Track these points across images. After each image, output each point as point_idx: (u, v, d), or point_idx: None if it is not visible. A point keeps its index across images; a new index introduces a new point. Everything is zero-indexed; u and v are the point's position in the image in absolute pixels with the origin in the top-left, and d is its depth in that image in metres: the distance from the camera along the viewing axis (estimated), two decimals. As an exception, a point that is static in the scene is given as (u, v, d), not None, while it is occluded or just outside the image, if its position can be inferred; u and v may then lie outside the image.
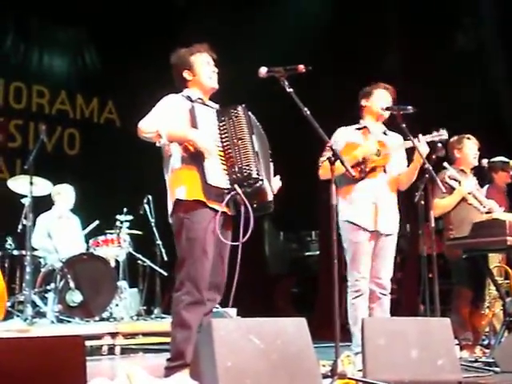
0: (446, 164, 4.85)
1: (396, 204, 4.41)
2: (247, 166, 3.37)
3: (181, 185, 3.42)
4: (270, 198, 3.53)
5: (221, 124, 3.48)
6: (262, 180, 3.41)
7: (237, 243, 3.41)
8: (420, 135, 4.21)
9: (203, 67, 3.61)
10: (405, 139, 4.30)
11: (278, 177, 3.70)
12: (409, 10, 7.95)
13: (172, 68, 3.66)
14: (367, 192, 4.26)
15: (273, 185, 3.63)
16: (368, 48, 7.89)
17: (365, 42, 7.93)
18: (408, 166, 4.37)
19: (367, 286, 4.22)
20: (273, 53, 7.58)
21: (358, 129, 4.43)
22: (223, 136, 3.46)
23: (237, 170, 3.37)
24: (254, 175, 3.37)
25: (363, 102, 4.44)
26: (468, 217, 4.90)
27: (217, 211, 3.37)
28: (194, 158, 3.40)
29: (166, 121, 3.42)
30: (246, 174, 3.36)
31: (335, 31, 8.17)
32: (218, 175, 3.38)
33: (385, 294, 4.28)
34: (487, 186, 5.94)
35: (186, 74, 3.61)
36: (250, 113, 3.56)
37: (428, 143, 4.21)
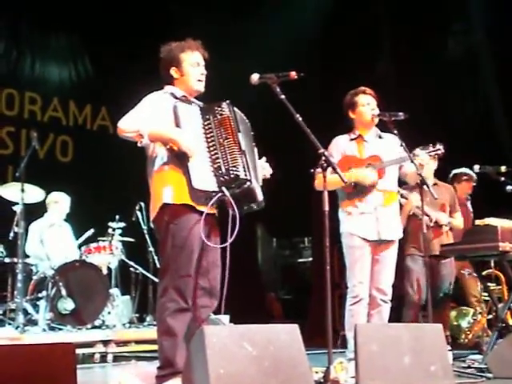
0: None
1: (396, 212, 4.43)
2: (234, 167, 3.25)
3: (167, 186, 3.30)
4: (260, 197, 3.40)
5: (205, 123, 3.35)
6: (249, 180, 3.29)
7: (223, 245, 3.31)
8: (417, 149, 4.24)
9: (192, 68, 3.47)
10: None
11: (263, 159, 3.57)
12: (400, 13, 8.01)
13: (160, 61, 3.52)
14: (367, 203, 4.27)
15: (264, 171, 3.53)
16: (360, 50, 7.94)
17: (358, 44, 7.98)
18: None
19: (366, 292, 4.22)
20: (263, 56, 7.62)
21: (352, 139, 4.42)
22: (208, 136, 3.33)
23: (224, 171, 3.26)
24: (242, 176, 3.26)
25: (351, 115, 4.44)
26: (416, 230, 5.00)
27: (202, 213, 3.25)
28: (179, 158, 3.28)
29: (148, 120, 3.29)
30: (233, 175, 3.25)
31: (328, 34, 8.22)
32: (204, 177, 3.26)
33: (385, 301, 4.28)
34: None
35: (173, 72, 3.48)
36: (235, 108, 3.43)
37: None
